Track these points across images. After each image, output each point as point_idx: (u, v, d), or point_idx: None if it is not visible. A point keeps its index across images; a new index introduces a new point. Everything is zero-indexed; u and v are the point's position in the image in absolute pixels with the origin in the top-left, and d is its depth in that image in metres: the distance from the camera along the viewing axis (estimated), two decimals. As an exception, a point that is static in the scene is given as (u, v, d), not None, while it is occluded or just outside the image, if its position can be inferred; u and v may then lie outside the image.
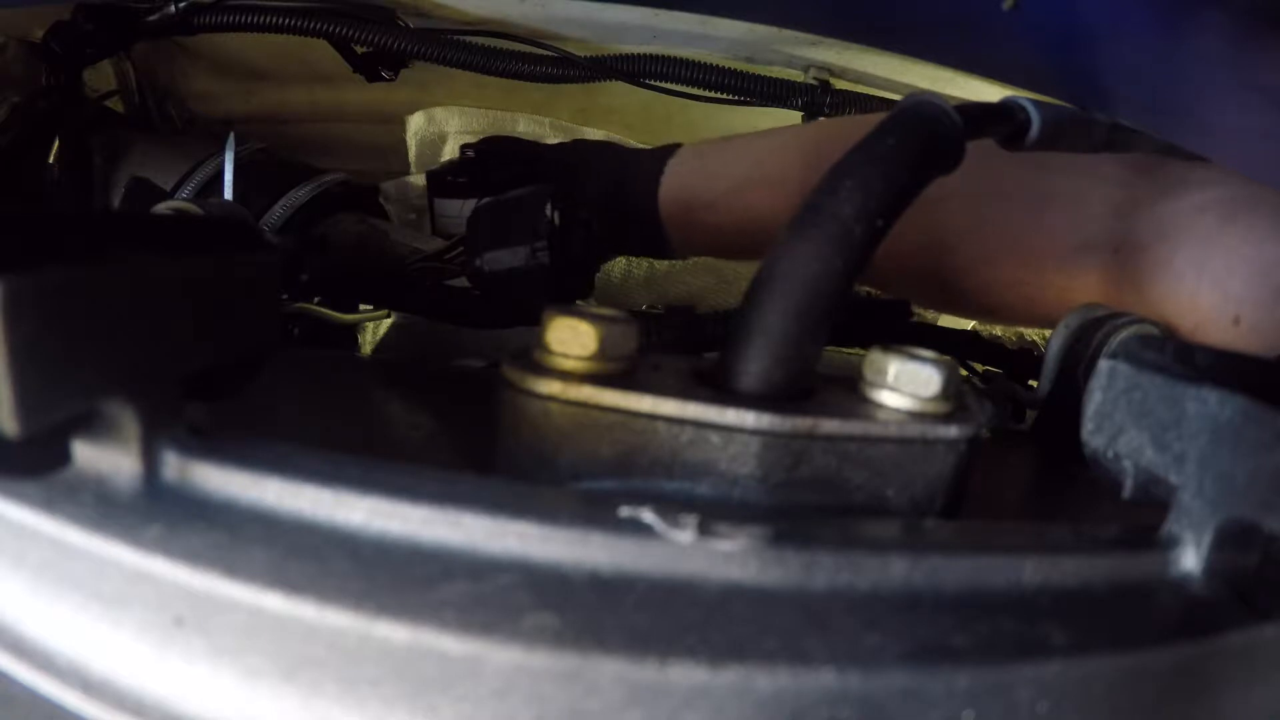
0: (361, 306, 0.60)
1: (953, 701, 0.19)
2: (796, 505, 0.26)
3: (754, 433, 0.26)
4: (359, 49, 0.74)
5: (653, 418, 0.26)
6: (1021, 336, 0.83)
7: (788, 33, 0.71)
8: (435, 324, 0.62)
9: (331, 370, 0.47)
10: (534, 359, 0.27)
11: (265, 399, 0.35)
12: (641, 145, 0.70)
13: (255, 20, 0.67)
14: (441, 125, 0.88)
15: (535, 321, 0.27)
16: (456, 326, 0.61)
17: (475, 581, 0.19)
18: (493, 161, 0.65)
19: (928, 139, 0.31)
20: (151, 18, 0.67)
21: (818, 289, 0.28)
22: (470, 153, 0.65)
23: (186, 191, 0.66)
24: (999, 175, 0.52)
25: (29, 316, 0.17)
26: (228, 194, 0.59)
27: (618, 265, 0.82)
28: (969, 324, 0.87)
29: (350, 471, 0.21)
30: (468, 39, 0.70)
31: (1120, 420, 0.25)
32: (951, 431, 0.27)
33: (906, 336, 0.60)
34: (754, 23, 0.70)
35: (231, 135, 0.61)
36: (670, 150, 0.60)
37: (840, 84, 0.76)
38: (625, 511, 0.21)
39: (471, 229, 0.54)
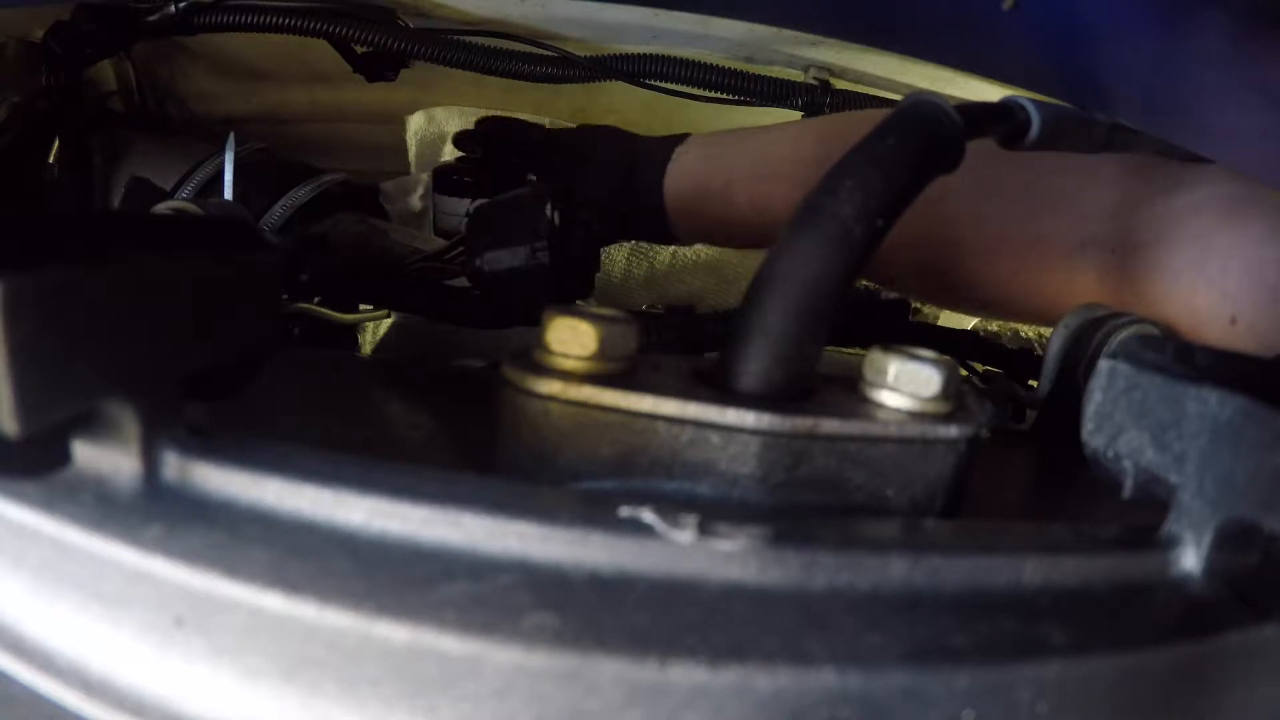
0: (361, 306, 0.60)
1: (953, 701, 0.19)
2: (796, 505, 0.26)
3: (754, 433, 0.26)
4: (359, 49, 0.74)
5: (653, 418, 0.26)
6: (1017, 333, 0.83)
7: (788, 33, 0.71)
8: (435, 324, 0.62)
9: (331, 370, 0.47)
10: (534, 359, 0.27)
11: (265, 399, 0.35)
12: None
13: (255, 20, 0.67)
14: (441, 125, 0.88)
15: (535, 321, 0.27)
16: (456, 326, 0.61)
17: (475, 581, 0.19)
18: (503, 146, 0.65)
19: (928, 139, 0.31)
20: (151, 18, 0.67)
21: (818, 289, 0.28)
22: (477, 147, 0.66)
23: (186, 191, 0.66)
24: (999, 173, 0.53)
25: (29, 316, 0.17)
26: (228, 194, 0.59)
27: (618, 265, 0.82)
28: (969, 324, 0.87)
29: (350, 471, 0.21)
30: (468, 39, 0.70)
31: (1120, 420, 0.25)
32: (951, 431, 0.27)
33: (906, 336, 0.60)
34: (754, 23, 0.70)
35: (231, 135, 0.61)
36: (679, 139, 0.60)
37: (840, 84, 0.76)
38: (625, 511, 0.21)
39: (471, 229, 0.54)
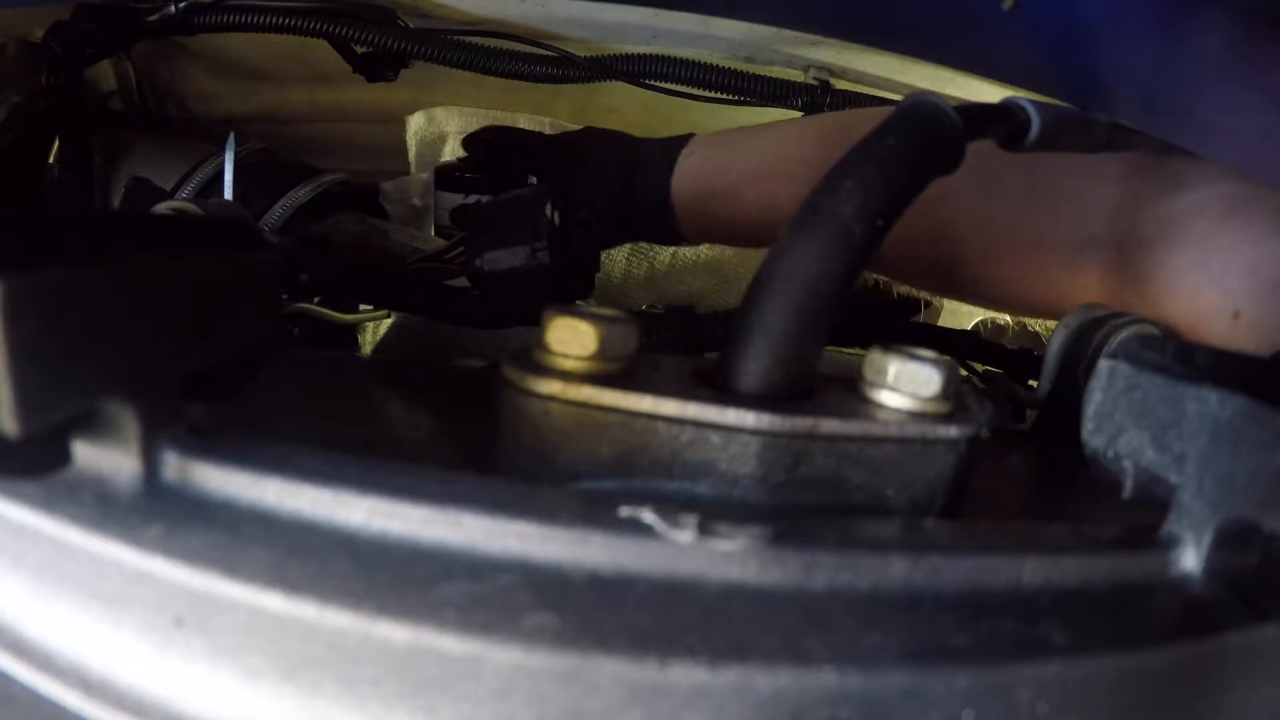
0: (361, 306, 0.60)
1: (953, 701, 0.19)
2: (796, 505, 0.26)
3: (754, 433, 0.26)
4: (359, 49, 0.74)
5: (653, 418, 0.26)
6: (1025, 326, 0.83)
7: (788, 33, 0.71)
8: (435, 324, 0.62)
9: (331, 370, 0.47)
10: (534, 359, 0.27)
11: (265, 399, 0.35)
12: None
13: (255, 20, 0.67)
14: (441, 125, 0.88)
15: (535, 321, 0.27)
16: (456, 326, 0.61)
17: (475, 581, 0.19)
18: (504, 150, 0.65)
19: (928, 139, 0.31)
20: (151, 18, 0.67)
21: (818, 289, 0.28)
22: (479, 151, 0.66)
23: (186, 191, 0.66)
24: (1000, 173, 0.53)
25: (29, 316, 0.17)
26: (228, 194, 0.59)
27: (618, 265, 0.82)
28: (969, 324, 0.87)
29: (350, 471, 0.21)
30: (468, 39, 0.70)
31: (1120, 420, 0.25)
32: (951, 431, 0.27)
33: (906, 336, 0.60)
34: (754, 23, 0.70)
35: (231, 135, 0.61)
36: (683, 140, 0.60)
37: (840, 84, 0.76)
38: (625, 511, 0.21)
39: (471, 229, 0.54)
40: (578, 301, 0.57)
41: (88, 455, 0.21)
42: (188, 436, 0.22)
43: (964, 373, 0.64)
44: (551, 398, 0.26)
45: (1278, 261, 0.43)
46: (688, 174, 0.58)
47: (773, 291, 0.28)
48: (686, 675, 0.18)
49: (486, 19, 0.73)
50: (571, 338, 0.26)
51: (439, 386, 0.47)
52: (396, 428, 0.38)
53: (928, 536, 0.22)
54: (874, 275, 0.65)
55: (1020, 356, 0.63)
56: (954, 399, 0.28)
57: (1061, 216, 0.51)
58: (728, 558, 0.20)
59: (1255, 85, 0.35)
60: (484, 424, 0.29)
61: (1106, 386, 0.26)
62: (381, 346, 0.69)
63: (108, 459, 0.21)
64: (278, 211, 0.64)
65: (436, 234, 0.80)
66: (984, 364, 0.65)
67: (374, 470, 0.21)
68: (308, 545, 0.20)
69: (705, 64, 0.71)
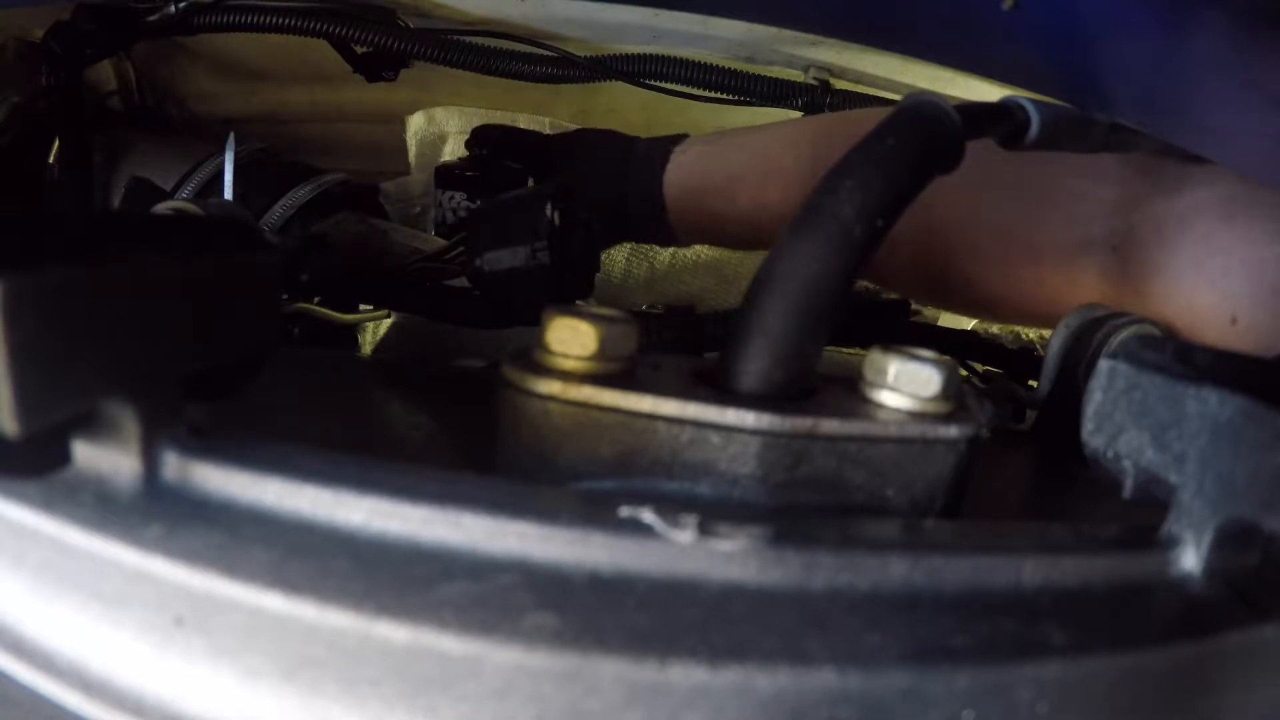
0: (361, 306, 0.60)
1: (953, 701, 0.19)
2: (796, 505, 0.26)
3: (754, 433, 0.26)
4: (359, 49, 0.74)
5: (653, 418, 0.26)
6: (1018, 336, 0.83)
7: (788, 33, 0.71)
8: (435, 324, 0.62)
9: (331, 370, 0.47)
10: (534, 359, 0.27)
11: (265, 399, 0.35)
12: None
13: (255, 20, 0.67)
14: (441, 125, 0.88)
15: (535, 321, 0.27)
16: (456, 326, 0.61)
17: (475, 581, 0.19)
18: (503, 150, 0.65)
19: (928, 139, 0.31)
20: (151, 18, 0.67)
21: (818, 289, 0.28)
22: (480, 151, 0.66)
23: (186, 191, 0.66)
24: (999, 173, 0.53)
25: (29, 316, 0.17)
26: (228, 194, 0.59)
27: (618, 265, 0.82)
28: (969, 324, 0.87)
29: (350, 471, 0.21)
30: (468, 39, 0.70)
31: (1120, 420, 0.25)
32: (951, 431, 0.27)
33: (906, 336, 0.60)
34: (754, 23, 0.70)
35: (231, 135, 0.61)
36: (677, 139, 0.60)
37: (840, 84, 0.76)
38: (625, 511, 0.21)
39: (471, 229, 0.54)
40: (578, 301, 0.57)
41: (88, 455, 0.21)
42: (188, 436, 0.22)
43: (964, 373, 0.64)
44: (551, 398, 0.26)
45: (1277, 265, 0.43)
46: (681, 174, 0.58)
47: (773, 291, 0.28)
48: (686, 675, 0.18)
49: (486, 19, 0.73)
50: (571, 338, 0.26)
51: (439, 386, 0.47)
52: (396, 428, 0.38)
53: (928, 537, 0.22)
54: (861, 281, 0.65)
55: (1020, 356, 0.63)
56: (954, 399, 0.28)
57: (1060, 217, 0.51)
58: (728, 558, 0.20)
59: (1255, 85, 0.35)
60: (484, 424, 0.29)
61: (1106, 386, 0.26)
62: (381, 346, 0.69)
63: (108, 459, 0.21)
64: (278, 211, 0.64)
65: (436, 234, 0.80)
66: (984, 364, 0.65)
67: (374, 470, 0.21)
68: (308, 545, 0.20)
69: (705, 64, 0.71)
